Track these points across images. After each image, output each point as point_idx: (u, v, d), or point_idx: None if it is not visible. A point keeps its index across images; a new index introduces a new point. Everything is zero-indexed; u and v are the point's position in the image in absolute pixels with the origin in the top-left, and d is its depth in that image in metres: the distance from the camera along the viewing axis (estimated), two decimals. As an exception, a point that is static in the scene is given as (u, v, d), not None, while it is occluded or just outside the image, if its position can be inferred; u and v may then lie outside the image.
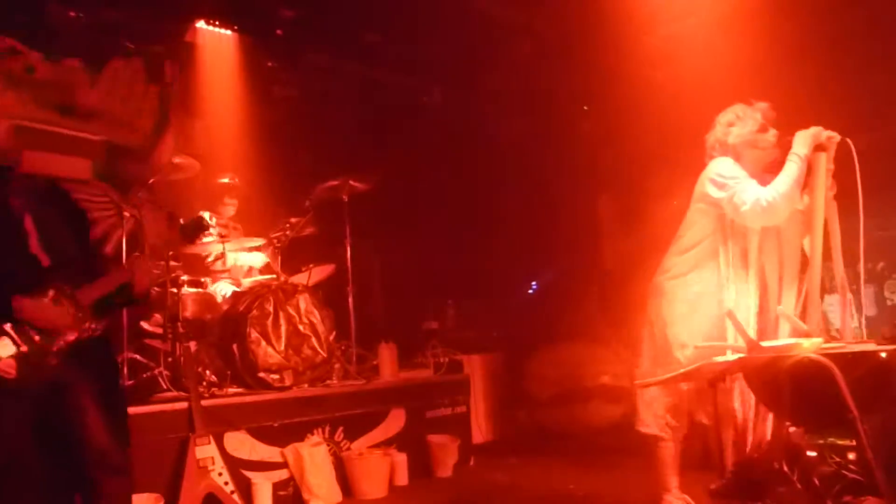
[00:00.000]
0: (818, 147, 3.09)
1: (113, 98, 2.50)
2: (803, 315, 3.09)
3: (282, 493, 4.36)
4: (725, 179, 3.35)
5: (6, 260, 2.36)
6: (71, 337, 2.38)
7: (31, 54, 2.50)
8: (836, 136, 3.08)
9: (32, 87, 2.40)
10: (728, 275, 3.39)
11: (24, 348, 2.25)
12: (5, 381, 2.20)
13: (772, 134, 3.41)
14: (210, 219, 5.55)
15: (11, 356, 2.22)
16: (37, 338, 2.29)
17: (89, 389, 2.47)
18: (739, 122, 3.48)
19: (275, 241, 5.53)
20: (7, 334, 2.25)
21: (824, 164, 3.05)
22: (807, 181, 3.13)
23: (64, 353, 2.37)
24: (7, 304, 2.27)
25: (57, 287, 2.40)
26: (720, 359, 2.87)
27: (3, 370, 2.20)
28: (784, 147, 3.30)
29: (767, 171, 3.40)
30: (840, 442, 2.38)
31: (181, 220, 4.80)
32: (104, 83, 2.41)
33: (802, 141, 3.16)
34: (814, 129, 3.15)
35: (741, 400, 3.23)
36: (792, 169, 3.14)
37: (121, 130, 2.61)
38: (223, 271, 5.52)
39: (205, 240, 5.41)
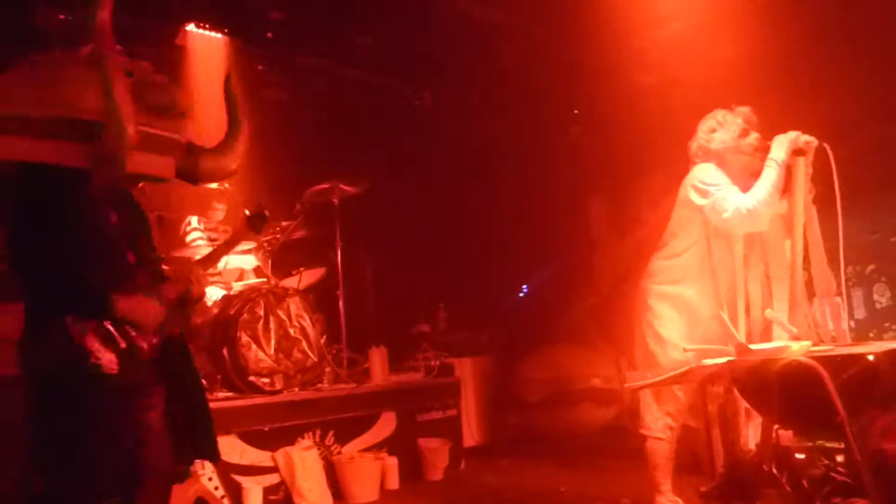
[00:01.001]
0: (797, 151, 3.12)
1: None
2: (791, 319, 3.11)
3: (272, 497, 4.35)
4: (707, 186, 3.37)
5: (101, 256, 2.35)
6: (156, 338, 2.39)
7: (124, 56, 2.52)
8: (814, 141, 3.10)
9: (133, 88, 2.42)
10: (716, 280, 3.41)
11: (123, 345, 2.25)
12: (109, 377, 2.20)
13: (754, 138, 3.44)
14: (199, 223, 5.56)
15: (113, 353, 2.22)
16: (133, 333, 2.29)
17: (176, 388, 2.50)
18: (721, 127, 3.51)
19: (265, 244, 5.51)
20: (108, 332, 2.24)
21: (803, 168, 3.08)
22: (786, 185, 3.15)
23: (156, 351, 2.39)
24: (106, 300, 2.26)
25: (144, 285, 2.40)
26: (710, 362, 2.89)
27: (106, 366, 2.20)
28: (766, 152, 3.33)
29: (754, 175, 3.42)
30: (829, 444, 2.39)
31: (246, 211, 4.67)
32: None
33: (780, 146, 3.18)
34: (792, 134, 3.17)
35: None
36: (770, 175, 3.16)
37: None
38: (213, 275, 5.50)
39: (194, 244, 5.40)
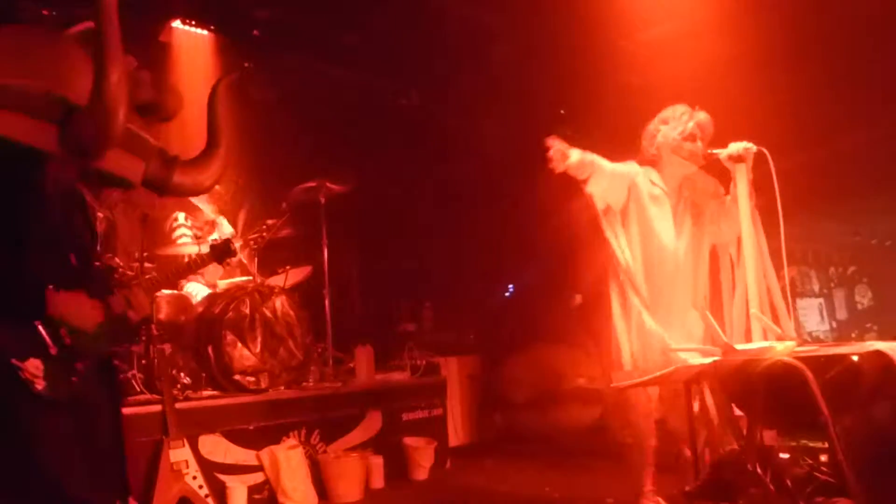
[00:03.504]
0: (736, 158, 3.16)
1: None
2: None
3: (257, 496, 4.33)
4: None
5: (41, 251, 2.08)
6: (88, 357, 2.14)
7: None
8: (753, 147, 3.16)
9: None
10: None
11: (53, 350, 2.00)
12: (31, 387, 1.94)
13: (697, 147, 3.49)
14: (185, 219, 5.52)
15: (39, 358, 1.96)
16: (68, 340, 2.04)
17: (104, 408, 2.26)
18: (670, 123, 3.57)
19: (251, 242, 5.49)
20: (38, 333, 1.99)
21: (744, 174, 3.13)
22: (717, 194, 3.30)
23: (87, 368, 2.12)
24: (41, 297, 2.01)
25: (92, 290, 2.19)
26: (695, 362, 2.90)
27: (30, 373, 1.93)
28: (703, 161, 3.41)
29: (688, 178, 3.55)
30: (812, 444, 2.41)
31: (210, 241, 4.59)
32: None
33: None
34: (734, 146, 3.22)
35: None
36: None
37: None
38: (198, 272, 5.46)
39: (180, 241, 5.37)
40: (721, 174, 3.47)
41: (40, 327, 1.99)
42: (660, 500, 3.59)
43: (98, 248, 2.43)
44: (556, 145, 3.38)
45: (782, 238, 3.10)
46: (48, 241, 2.11)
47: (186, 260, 4.84)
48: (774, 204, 3.04)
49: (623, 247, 3.59)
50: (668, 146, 3.57)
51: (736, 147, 3.16)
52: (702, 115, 3.54)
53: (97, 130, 2.01)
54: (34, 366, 1.94)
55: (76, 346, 2.07)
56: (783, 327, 3.02)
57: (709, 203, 3.59)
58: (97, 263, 2.38)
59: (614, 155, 3.74)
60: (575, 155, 3.39)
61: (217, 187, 5.50)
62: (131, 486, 3.56)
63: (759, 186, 3.16)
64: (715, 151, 3.36)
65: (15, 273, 1.98)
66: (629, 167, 3.68)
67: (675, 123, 3.56)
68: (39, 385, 1.94)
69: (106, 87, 1.96)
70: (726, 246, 3.54)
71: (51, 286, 2.03)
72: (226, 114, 2.42)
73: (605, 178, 3.55)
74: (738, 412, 2.65)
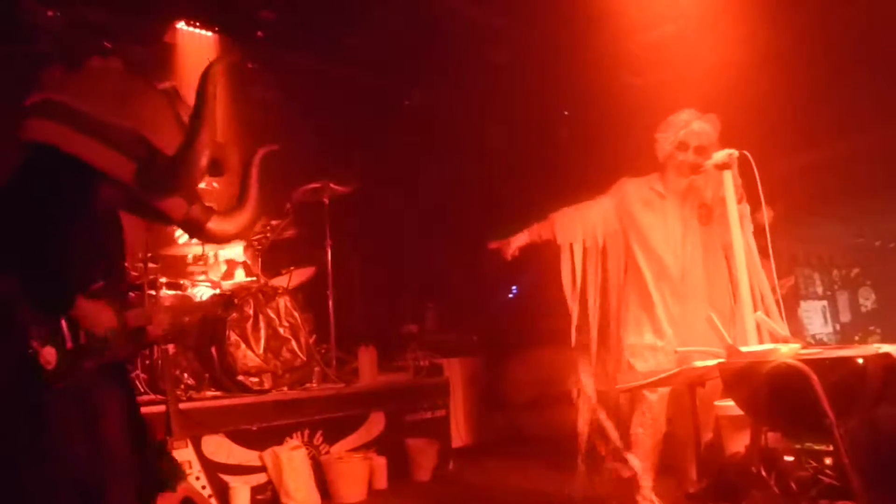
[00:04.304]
0: (721, 166, 3.17)
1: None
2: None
3: (260, 497, 4.33)
4: None
5: (79, 259, 2.38)
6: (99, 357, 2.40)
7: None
8: (735, 152, 3.15)
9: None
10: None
11: (69, 345, 2.27)
12: (44, 370, 2.21)
13: (688, 156, 3.50)
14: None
15: (55, 348, 2.24)
16: (83, 340, 2.31)
17: (112, 397, 2.48)
18: (668, 130, 3.57)
19: (255, 243, 5.49)
20: (60, 328, 2.26)
21: (731, 180, 3.13)
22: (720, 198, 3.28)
23: (98, 362, 2.39)
24: (71, 299, 2.29)
25: (111, 301, 2.43)
26: (699, 363, 2.90)
27: (45, 358, 2.20)
28: (695, 173, 3.48)
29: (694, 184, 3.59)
30: (817, 447, 2.40)
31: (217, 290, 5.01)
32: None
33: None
34: (717, 155, 3.22)
35: None
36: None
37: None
38: (202, 272, 5.47)
39: (181, 240, 5.37)
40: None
41: (63, 323, 2.27)
42: (654, 499, 3.60)
43: (125, 265, 2.80)
44: (495, 245, 3.94)
45: (768, 239, 3.11)
46: (89, 254, 2.44)
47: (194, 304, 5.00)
48: (790, 211, 3.06)
49: (576, 279, 3.89)
50: (666, 157, 3.60)
51: (720, 156, 3.17)
52: (696, 125, 3.52)
53: (178, 177, 2.42)
54: (49, 353, 2.22)
55: (89, 346, 2.34)
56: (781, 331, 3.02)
57: (717, 206, 3.59)
58: (122, 281, 2.71)
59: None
60: (518, 239, 3.87)
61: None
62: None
63: (766, 193, 3.16)
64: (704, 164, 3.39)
65: (58, 275, 2.28)
66: (599, 203, 3.84)
67: (671, 132, 3.58)
68: (49, 369, 2.21)
69: (198, 144, 2.41)
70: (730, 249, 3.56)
71: (82, 293, 2.33)
72: (258, 168, 2.85)
73: (565, 221, 3.87)
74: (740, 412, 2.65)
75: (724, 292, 3.62)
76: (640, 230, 3.71)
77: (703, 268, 3.64)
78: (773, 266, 3.13)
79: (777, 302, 3.17)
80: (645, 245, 3.70)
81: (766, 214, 3.10)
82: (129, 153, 2.37)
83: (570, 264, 3.88)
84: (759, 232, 3.29)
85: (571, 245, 3.88)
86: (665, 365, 3.38)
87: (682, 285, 3.60)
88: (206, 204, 2.64)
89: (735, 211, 3.11)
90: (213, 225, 2.64)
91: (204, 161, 2.52)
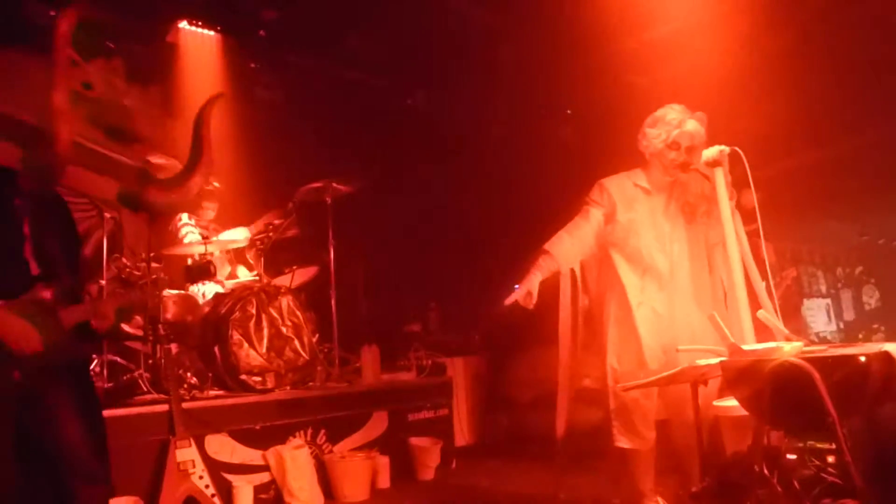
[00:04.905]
0: (713, 163, 3.14)
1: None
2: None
3: (263, 496, 4.34)
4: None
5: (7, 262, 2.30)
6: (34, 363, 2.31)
7: (89, 69, 2.45)
8: (727, 149, 3.12)
9: (88, 104, 2.36)
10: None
11: None
12: None
13: (679, 155, 3.47)
14: (190, 219, 5.54)
15: None
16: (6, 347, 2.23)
17: (63, 400, 2.41)
18: (658, 126, 3.52)
19: (258, 242, 5.50)
20: None
21: (722, 178, 3.12)
22: (712, 196, 3.25)
23: (32, 365, 2.30)
24: None
25: (40, 300, 2.33)
26: (702, 362, 2.90)
27: None
28: (686, 172, 3.46)
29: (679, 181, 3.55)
30: (819, 445, 2.40)
31: (189, 261, 4.85)
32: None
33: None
34: (707, 152, 3.19)
35: None
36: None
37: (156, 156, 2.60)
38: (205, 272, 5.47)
39: (186, 240, 5.38)
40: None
41: None
42: (659, 500, 3.59)
43: (74, 258, 2.56)
44: (511, 299, 3.85)
45: (761, 236, 3.09)
46: (6, 253, 2.31)
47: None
48: (776, 197, 3.04)
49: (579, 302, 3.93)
50: (653, 153, 3.55)
51: (710, 153, 3.14)
52: (690, 125, 3.46)
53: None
54: None
55: (15, 355, 2.25)
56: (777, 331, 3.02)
57: (701, 204, 3.56)
58: (69, 272, 2.49)
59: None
60: (530, 282, 3.81)
61: (215, 183, 5.55)
62: (137, 486, 3.60)
63: (759, 187, 3.15)
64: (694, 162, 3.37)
65: None
66: (589, 220, 3.76)
67: (662, 129, 3.50)
68: None
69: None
70: (714, 247, 3.55)
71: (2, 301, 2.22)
72: (210, 136, 2.59)
73: (564, 248, 3.82)
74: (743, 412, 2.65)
75: (708, 291, 3.60)
76: (626, 229, 3.64)
77: (689, 266, 3.61)
78: (766, 256, 3.09)
79: (771, 296, 3.15)
80: (628, 244, 3.63)
81: (755, 197, 3.06)
82: (13, 139, 2.23)
83: (569, 290, 3.91)
84: (748, 216, 3.25)
85: (573, 270, 3.86)
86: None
87: (671, 282, 3.57)
88: (149, 174, 2.50)
89: (727, 208, 3.09)
90: (155, 196, 2.51)
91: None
